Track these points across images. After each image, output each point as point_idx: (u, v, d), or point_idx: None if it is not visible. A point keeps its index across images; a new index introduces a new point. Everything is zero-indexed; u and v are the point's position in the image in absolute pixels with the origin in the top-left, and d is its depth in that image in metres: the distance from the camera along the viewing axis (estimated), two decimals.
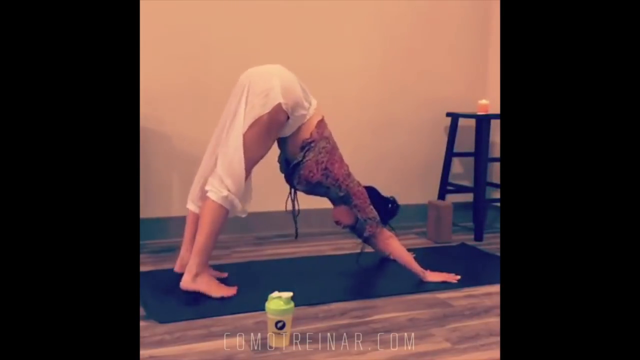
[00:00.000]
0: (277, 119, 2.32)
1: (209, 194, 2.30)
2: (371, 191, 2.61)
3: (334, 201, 2.60)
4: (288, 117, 2.34)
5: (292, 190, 2.59)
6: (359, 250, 2.72)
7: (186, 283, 2.28)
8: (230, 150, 2.30)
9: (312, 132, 2.41)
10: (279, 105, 2.29)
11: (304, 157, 2.42)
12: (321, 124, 2.46)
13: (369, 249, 2.71)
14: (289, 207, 2.61)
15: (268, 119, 2.30)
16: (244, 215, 2.45)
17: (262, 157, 2.39)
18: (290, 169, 2.49)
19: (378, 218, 2.54)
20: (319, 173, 2.42)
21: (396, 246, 2.57)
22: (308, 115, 2.41)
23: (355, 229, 2.62)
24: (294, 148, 2.44)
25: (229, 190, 2.29)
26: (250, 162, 2.33)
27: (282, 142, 2.48)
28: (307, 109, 2.41)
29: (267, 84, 2.31)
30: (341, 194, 2.49)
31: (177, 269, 2.47)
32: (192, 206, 2.49)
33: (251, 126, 2.29)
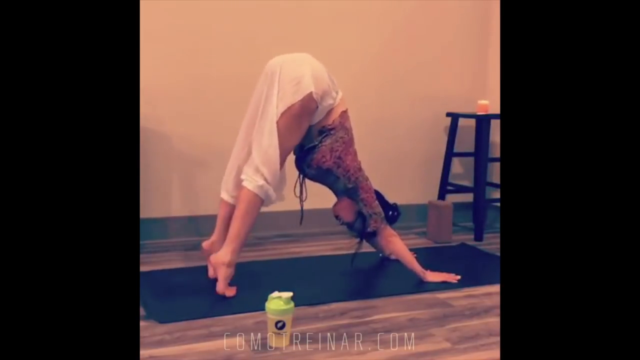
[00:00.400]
0: (308, 108, 2.33)
1: (244, 183, 2.31)
2: (377, 195, 2.61)
3: (339, 193, 2.59)
4: (317, 106, 2.35)
5: (301, 176, 2.60)
6: (354, 251, 2.71)
7: (217, 260, 2.31)
8: (264, 138, 2.30)
9: (334, 119, 2.43)
10: (310, 94, 2.30)
11: (320, 141, 2.43)
12: (344, 114, 2.48)
13: (365, 249, 2.71)
14: (297, 193, 2.62)
15: (300, 108, 2.31)
16: (280, 201, 2.47)
17: (294, 145, 2.41)
18: (303, 152, 2.49)
19: (383, 214, 2.54)
20: (331, 160, 2.43)
21: (398, 245, 2.57)
22: (335, 103, 2.43)
23: (353, 227, 2.62)
24: (313, 132, 2.44)
25: (264, 180, 2.30)
26: (284, 151, 2.35)
27: None
28: (334, 98, 2.43)
29: (298, 72, 2.32)
30: (349, 185, 2.48)
31: (205, 244, 2.49)
32: (225, 196, 2.50)
33: (283, 114, 2.30)
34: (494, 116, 3.44)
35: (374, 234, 2.56)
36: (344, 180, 2.48)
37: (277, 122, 2.30)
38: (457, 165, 3.81)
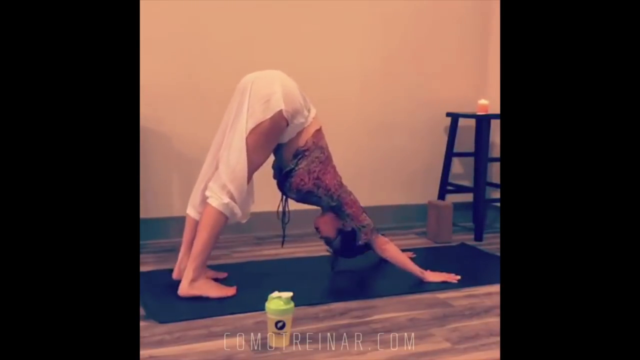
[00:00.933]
0: (278, 125, 2.31)
1: (209, 200, 2.29)
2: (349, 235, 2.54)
3: (325, 210, 2.56)
4: (287, 124, 2.34)
5: (284, 197, 2.58)
6: (332, 259, 2.65)
7: (184, 289, 2.27)
8: (232, 155, 2.28)
9: (307, 140, 2.40)
10: (280, 111, 2.28)
11: (296, 164, 2.40)
12: (318, 133, 2.44)
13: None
14: (280, 215, 2.60)
15: (269, 125, 2.29)
16: (244, 221, 2.44)
17: (262, 163, 2.38)
18: (282, 176, 2.47)
19: (372, 225, 2.52)
20: (310, 182, 2.40)
21: (393, 251, 2.55)
22: (306, 123, 2.39)
23: (332, 244, 2.57)
24: (287, 155, 2.42)
25: (230, 197, 2.28)
26: (252, 168, 2.32)
27: (277, 149, 2.45)
28: (306, 117, 2.39)
29: (269, 89, 2.30)
30: (333, 203, 2.46)
31: (175, 275, 2.44)
32: (192, 212, 2.47)
33: (252, 131, 2.28)
34: (494, 116, 3.44)
35: (366, 246, 2.53)
36: (326, 199, 2.45)
37: (246, 139, 2.28)
38: (457, 165, 3.81)
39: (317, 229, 2.59)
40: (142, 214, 2.94)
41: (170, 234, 3.11)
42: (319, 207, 2.56)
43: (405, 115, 3.62)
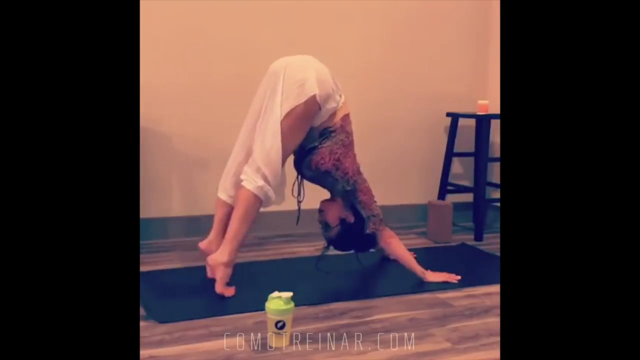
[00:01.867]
0: (311, 110, 2.33)
1: (244, 183, 2.31)
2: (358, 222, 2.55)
3: (335, 195, 2.56)
4: (320, 108, 2.36)
5: (299, 177, 2.59)
6: (319, 254, 2.65)
7: (214, 261, 2.30)
8: (267, 139, 2.30)
9: (335, 122, 2.43)
10: (314, 96, 2.30)
11: (320, 143, 2.42)
12: (347, 118, 2.48)
13: (331, 253, 2.66)
14: (295, 194, 2.60)
15: (303, 110, 2.31)
16: (279, 204, 2.45)
17: (295, 147, 2.40)
18: (303, 153, 2.48)
19: (382, 216, 2.53)
20: (330, 162, 2.42)
21: (397, 246, 2.56)
22: (338, 107, 2.43)
23: (327, 230, 2.56)
24: (314, 133, 2.44)
25: (264, 181, 2.29)
26: (285, 152, 2.34)
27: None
28: (337, 101, 2.43)
29: (303, 74, 2.33)
30: (348, 188, 2.47)
31: (202, 244, 2.47)
32: (223, 195, 2.48)
33: (286, 116, 2.30)
34: (494, 116, 3.44)
35: (372, 236, 2.53)
36: (342, 183, 2.46)
37: (281, 123, 2.30)
38: (457, 165, 3.81)
39: (320, 211, 2.59)
40: (142, 214, 2.93)
41: (170, 234, 3.11)
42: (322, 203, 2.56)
43: (405, 115, 3.62)
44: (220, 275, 2.30)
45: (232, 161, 2.49)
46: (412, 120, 3.65)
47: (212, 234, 2.49)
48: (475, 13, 3.73)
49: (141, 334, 1.95)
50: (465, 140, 3.73)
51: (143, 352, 1.82)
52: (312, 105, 2.32)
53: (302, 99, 2.30)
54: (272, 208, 2.60)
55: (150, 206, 3.08)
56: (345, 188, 2.47)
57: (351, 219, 2.51)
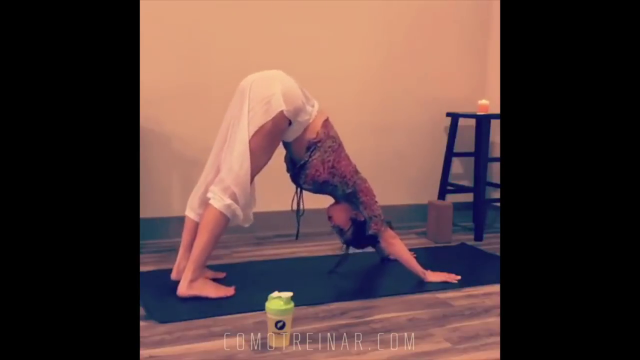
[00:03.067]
0: (279, 126, 2.31)
1: (211, 201, 2.28)
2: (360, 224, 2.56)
3: (338, 199, 2.57)
4: (290, 123, 2.34)
5: (298, 189, 2.59)
6: (339, 258, 2.66)
7: (182, 290, 2.27)
8: (235, 159, 2.28)
9: (317, 132, 2.41)
10: (281, 112, 2.28)
11: (310, 157, 2.41)
12: (327, 123, 2.46)
13: (353, 251, 2.67)
14: (294, 207, 2.60)
15: (271, 127, 2.29)
16: (247, 225, 2.42)
17: (265, 164, 2.38)
18: (296, 170, 2.48)
19: (383, 216, 2.53)
20: (325, 172, 2.41)
21: (399, 246, 2.56)
22: (311, 118, 2.40)
23: (343, 234, 2.58)
24: (300, 149, 2.43)
25: (232, 199, 2.27)
26: (254, 170, 2.32)
27: (288, 144, 2.47)
28: (310, 112, 2.40)
29: (268, 91, 2.30)
30: (348, 190, 2.46)
31: (173, 275, 2.44)
32: (191, 213, 2.46)
33: (254, 134, 2.28)
34: (494, 116, 3.44)
35: (374, 237, 2.53)
36: (342, 187, 2.45)
37: (250, 142, 2.27)
38: (457, 165, 3.81)
39: (329, 217, 2.59)
40: (142, 214, 2.94)
41: (170, 234, 3.11)
42: (323, 207, 2.55)
43: (405, 115, 3.62)
44: (200, 291, 2.27)
45: (202, 180, 2.45)
46: (412, 120, 3.65)
47: (179, 258, 2.45)
48: (475, 13, 3.73)
49: (141, 334, 1.95)
50: (465, 140, 3.73)
51: (143, 352, 1.82)
52: (280, 121, 2.30)
53: (270, 117, 2.27)
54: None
55: (150, 206, 3.08)
56: (345, 191, 2.47)
57: (361, 217, 2.52)
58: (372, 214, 2.49)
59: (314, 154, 2.40)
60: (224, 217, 2.28)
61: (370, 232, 2.50)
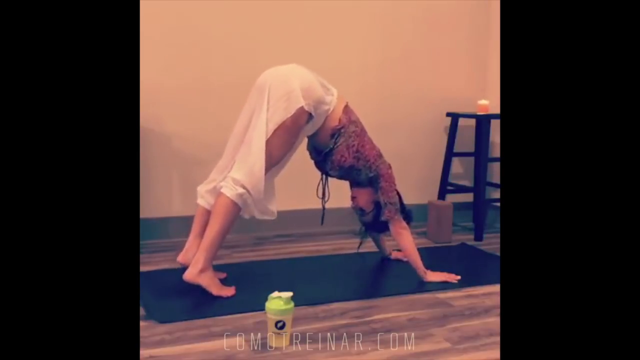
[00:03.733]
0: (299, 121, 2.34)
1: (223, 190, 2.30)
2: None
3: (362, 183, 2.59)
4: (311, 115, 2.36)
5: (324, 176, 2.62)
6: (360, 240, 2.75)
7: (191, 275, 2.26)
8: (252, 155, 2.29)
9: (340, 118, 2.44)
10: (301, 107, 2.31)
11: (335, 143, 2.45)
12: (347, 109, 2.49)
13: (366, 249, 2.69)
14: (320, 194, 2.64)
15: (291, 123, 2.31)
16: (271, 218, 2.43)
17: (283, 157, 2.40)
18: (321, 157, 2.51)
19: (398, 205, 2.54)
20: (350, 157, 2.45)
21: (406, 238, 2.56)
22: (331, 107, 2.43)
23: (364, 216, 2.62)
24: (324, 137, 2.46)
25: (244, 189, 2.28)
26: (272, 162, 2.34)
27: (311, 135, 2.49)
28: (329, 102, 2.43)
29: (287, 87, 2.32)
30: (371, 174, 2.50)
31: (180, 258, 2.44)
32: (202, 201, 2.47)
33: (276, 131, 2.30)
34: (494, 116, 3.44)
35: (385, 224, 2.55)
36: (365, 171, 2.50)
37: (270, 139, 2.29)
38: (457, 165, 3.81)
39: (353, 198, 2.63)
40: (142, 214, 2.93)
41: (170, 234, 3.11)
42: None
43: (405, 115, 3.62)
44: (206, 283, 2.28)
45: (216, 170, 2.47)
46: (412, 120, 3.65)
47: (188, 243, 2.46)
48: (475, 13, 3.73)
49: (141, 334, 1.95)
50: (465, 140, 3.73)
51: (143, 352, 1.82)
52: (300, 117, 2.33)
53: (290, 113, 2.30)
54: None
55: (150, 206, 3.08)
56: (369, 175, 2.51)
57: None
58: (389, 200, 2.52)
59: (338, 140, 2.44)
60: (236, 205, 2.29)
61: (383, 218, 2.54)
